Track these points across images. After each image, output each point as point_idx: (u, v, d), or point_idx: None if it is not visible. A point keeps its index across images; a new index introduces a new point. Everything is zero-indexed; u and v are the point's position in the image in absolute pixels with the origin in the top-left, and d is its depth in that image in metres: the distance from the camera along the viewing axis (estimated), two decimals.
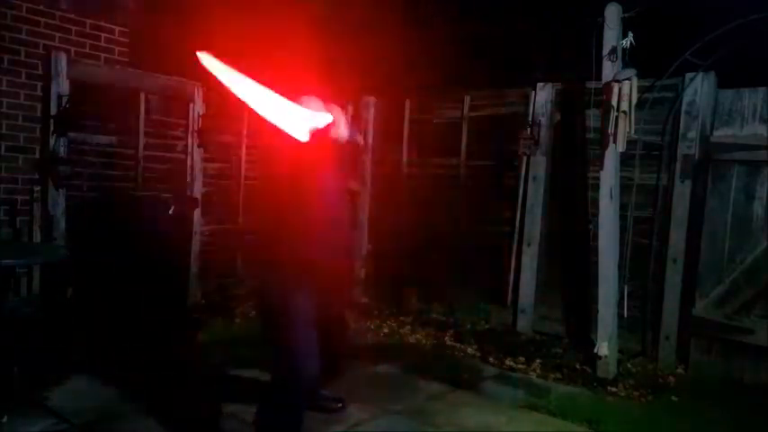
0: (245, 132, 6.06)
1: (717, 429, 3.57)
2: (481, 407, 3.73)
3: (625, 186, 4.45)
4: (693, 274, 4.42)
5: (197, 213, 5.52)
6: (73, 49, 4.86)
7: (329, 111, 2.57)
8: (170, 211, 4.70)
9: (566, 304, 5.03)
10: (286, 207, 2.53)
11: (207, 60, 2.39)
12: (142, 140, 5.22)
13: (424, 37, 6.45)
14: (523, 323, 5.17)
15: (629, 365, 4.40)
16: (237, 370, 4.06)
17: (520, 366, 4.48)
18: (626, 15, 4.06)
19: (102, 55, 5.08)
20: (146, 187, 5.21)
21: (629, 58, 4.06)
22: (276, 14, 7.09)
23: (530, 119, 5.13)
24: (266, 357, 3.74)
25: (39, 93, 4.68)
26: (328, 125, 2.52)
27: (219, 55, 2.38)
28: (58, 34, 4.79)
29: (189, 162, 5.57)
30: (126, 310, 4.47)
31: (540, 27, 5.57)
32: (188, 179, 5.57)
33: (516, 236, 5.25)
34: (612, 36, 4.09)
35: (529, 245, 5.15)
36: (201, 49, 2.34)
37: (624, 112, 3.98)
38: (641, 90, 4.26)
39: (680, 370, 4.40)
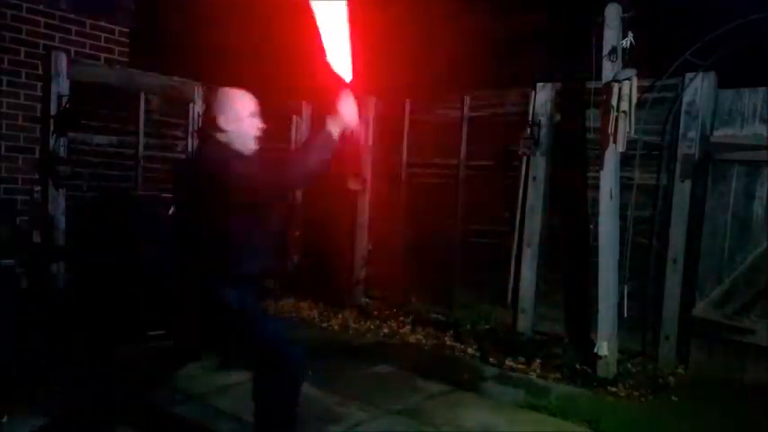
0: None
1: (717, 429, 3.57)
2: (481, 407, 3.74)
3: (625, 186, 4.44)
4: (693, 274, 4.42)
5: None
6: (73, 49, 4.86)
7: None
8: (170, 212, 4.70)
9: (566, 304, 5.02)
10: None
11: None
12: (142, 140, 5.23)
13: (424, 36, 6.44)
14: (523, 323, 5.16)
15: (629, 365, 4.40)
16: (237, 371, 4.06)
17: (520, 366, 4.47)
18: (626, 15, 4.06)
19: (102, 55, 5.09)
20: (146, 187, 5.21)
21: (629, 58, 4.06)
22: (275, 13, 7.09)
23: (530, 119, 5.13)
24: None
25: (39, 93, 4.68)
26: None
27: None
28: (58, 34, 4.80)
29: None
30: (126, 309, 4.47)
31: (539, 27, 5.56)
32: None
33: (516, 236, 5.24)
34: (612, 36, 4.09)
35: (529, 245, 5.15)
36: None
37: (624, 112, 3.98)
38: (641, 90, 4.25)
39: (680, 370, 4.40)
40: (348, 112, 2.51)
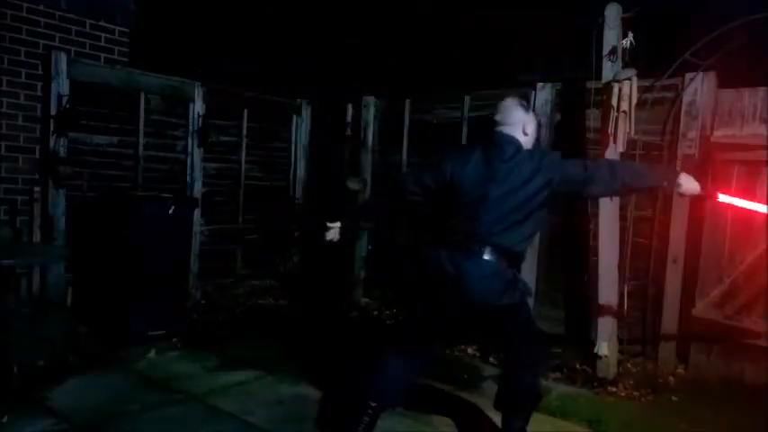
0: (244, 132, 6.06)
1: (716, 429, 3.56)
2: (481, 407, 3.73)
3: None
4: (693, 274, 4.41)
5: (197, 213, 5.52)
6: (73, 49, 4.87)
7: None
8: (170, 211, 4.70)
9: (566, 304, 5.02)
10: None
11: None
12: (142, 140, 5.23)
13: (424, 37, 6.45)
14: None
15: (629, 365, 4.39)
16: (236, 371, 4.07)
17: None
18: (626, 15, 4.05)
19: (102, 55, 5.09)
20: (146, 187, 5.21)
21: (629, 58, 4.06)
22: (277, 13, 7.09)
23: None
24: (264, 358, 3.72)
25: (39, 93, 4.68)
26: None
27: None
28: (58, 34, 4.80)
29: (189, 162, 5.57)
30: (125, 310, 4.47)
31: (539, 27, 5.56)
32: (188, 179, 5.58)
33: None
34: (612, 36, 4.09)
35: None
36: None
37: (624, 112, 3.98)
38: (641, 90, 4.24)
39: (680, 370, 4.39)
40: (691, 187, 2.94)
